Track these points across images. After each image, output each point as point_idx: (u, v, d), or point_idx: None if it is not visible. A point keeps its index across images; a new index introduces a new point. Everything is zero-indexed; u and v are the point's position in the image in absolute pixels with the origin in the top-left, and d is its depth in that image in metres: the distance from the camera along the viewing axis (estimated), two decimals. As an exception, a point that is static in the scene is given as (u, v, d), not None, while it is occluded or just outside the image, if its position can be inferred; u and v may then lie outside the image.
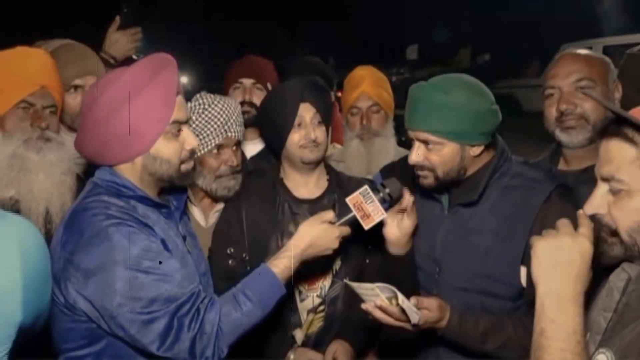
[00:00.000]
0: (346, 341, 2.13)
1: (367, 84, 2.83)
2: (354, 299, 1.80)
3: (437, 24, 19.51)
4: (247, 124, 2.67)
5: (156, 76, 1.65)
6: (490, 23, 17.59)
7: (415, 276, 1.99)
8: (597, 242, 1.29)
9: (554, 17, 15.80)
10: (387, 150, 2.80)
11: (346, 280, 1.90)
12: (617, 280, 1.31)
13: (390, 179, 1.87)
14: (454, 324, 1.76)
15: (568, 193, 1.85)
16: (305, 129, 2.10)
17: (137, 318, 1.55)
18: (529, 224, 1.78)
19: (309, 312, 2.13)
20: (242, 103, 2.75)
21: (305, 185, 2.19)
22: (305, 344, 2.14)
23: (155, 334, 1.56)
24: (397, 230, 1.90)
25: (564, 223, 1.29)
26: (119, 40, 2.72)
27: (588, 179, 1.99)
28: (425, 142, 1.81)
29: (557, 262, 1.23)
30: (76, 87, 2.37)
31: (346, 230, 1.86)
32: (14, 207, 1.94)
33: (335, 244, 1.84)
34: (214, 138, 2.21)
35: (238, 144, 2.32)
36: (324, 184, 2.22)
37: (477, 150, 1.84)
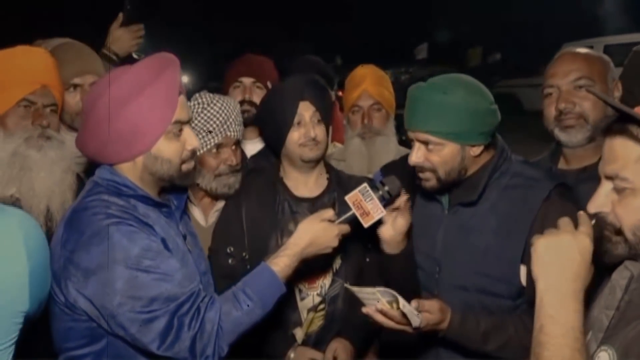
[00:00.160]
0: (346, 340, 2.13)
1: (368, 83, 2.83)
2: (355, 298, 1.80)
3: (446, 23, 19.39)
4: (247, 123, 2.68)
5: (159, 76, 1.65)
6: (500, 23, 17.50)
7: (415, 275, 1.99)
8: (601, 241, 1.29)
9: (565, 17, 15.77)
10: (388, 149, 2.80)
11: (347, 285, 1.90)
12: (619, 278, 1.31)
13: (390, 177, 1.88)
14: (455, 325, 1.76)
15: (568, 192, 1.85)
16: (305, 128, 2.10)
17: (137, 317, 1.55)
18: (529, 222, 1.78)
19: (309, 310, 2.13)
20: (242, 102, 2.75)
21: (305, 183, 2.19)
22: (305, 342, 2.13)
23: (155, 333, 1.56)
24: (391, 229, 1.91)
25: (565, 222, 1.29)
26: (121, 37, 2.73)
27: (588, 177, 2.00)
28: (426, 143, 1.81)
29: (557, 259, 1.23)
30: (75, 86, 2.37)
31: (346, 228, 1.86)
32: (15, 205, 1.94)
33: (335, 243, 1.85)
34: (213, 137, 2.20)
35: (237, 143, 2.32)
36: (323, 182, 2.22)
37: (477, 150, 1.83)
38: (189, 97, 2.07)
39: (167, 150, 1.69)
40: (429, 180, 1.86)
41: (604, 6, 15.49)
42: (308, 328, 2.14)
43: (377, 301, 1.67)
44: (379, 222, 1.87)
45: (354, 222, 1.85)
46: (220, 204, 2.30)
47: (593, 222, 1.29)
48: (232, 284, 1.73)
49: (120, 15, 2.74)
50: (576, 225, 1.28)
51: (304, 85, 2.13)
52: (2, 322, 1.22)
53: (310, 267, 1.99)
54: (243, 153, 2.62)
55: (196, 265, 1.82)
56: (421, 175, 1.87)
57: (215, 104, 2.22)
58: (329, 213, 1.86)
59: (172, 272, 1.61)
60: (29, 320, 1.32)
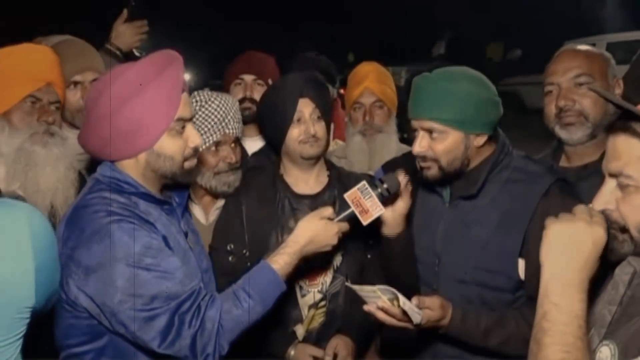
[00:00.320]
0: (347, 336, 2.13)
1: (370, 80, 2.83)
2: (356, 296, 1.81)
3: (466, 18, 19.03)
4: (248, 120, 2.68)
5: (162, 72, 1.65)
6: (520, 20, 17.21)
7: (412, 261, 2.00)
8: (607, 238, 1.29)
9: (567, 14, 15.66)
10: (389, 146, 2.79)
11: (347, 283, 1.90)
12: (622, 273, 1.30)
13: (389, 175, 1.88)
14: (456, 322, 1.77)
15: (567, 187, 1.86)
16: (305, 125, 2.09)
17: (138, 315, 1.55)
18: (528, 217, 1.79)
19: (310, 307, 2.13)
20: (243, 99, 2.76)
21: (306, 181, 2.18)
22: (306, 339, 2.13)
23: (156, 331, 1.56)
24: (391, 210, 1.91)
25: (581, 209, 1.27)
26: (125, 33, 2.76)
27: (588, 175, 2.00)
28: (429, 132, 1.82)
29: (567, 246, 1.22)
30: (76, 83, 2.37)
31: (345, 226, 1.86)
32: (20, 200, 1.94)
33: (335, 240, 1.85)
34: (211, 135, 2.20)
35: (237, 141, 2.31)
36: (324, 179, 2.21)
37: (480, 140, 1.84)
38: (190, 94, 2.07)
39: (170, 147, 1.69)
40: (431, 169, 1.86)
41: (607, 4, 15.43)
42: (309, 325, 2.14)
43: (378, 299, 1.68)
44: (379, 219, 1.88)
45: (353, 219, 1.85)
46: (221, 202, 2.30)
47: None
48: (232, 282, 1.73)
49: (125, 11, 2.76)
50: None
51: (304, 82, 2.13)
52: (6, 317, 1.22)
53: (310, 264, 1.99)
54: (244, 150, 2.62)
55: (197, 262, 1.82)
56: (423, 164, 1.87)
57: (213, 102, 2.22)
58: (328, 211, 1.86)
59: (173, 270, 1.61)
60: (36, 316, 1.33)
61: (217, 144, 2.23)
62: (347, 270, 2.14)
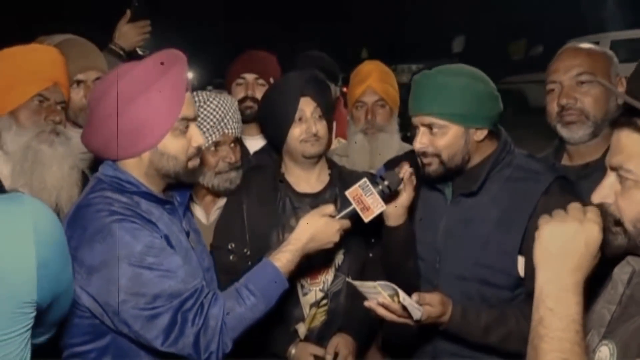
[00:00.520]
0: (348, 335, 2.13)
1: (373, 79, 2.82)
2: (357, 293, 1.81)
3: (487, 15, 18.74)
4: (249, 120, 2.68)
5: (166, 72, 1.65)
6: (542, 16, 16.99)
7: (413, 252, 2.00)
8: (603, 231, 1.29)
9: (569, 13, 15.57)
10: (391, 145, 2.79)
11: (348, 279, 1.90)
12: (621, 272, 1.30)
13: (389, 172, 1.88)
14: (456, 318, 1.77)
15: (568, 185, 1.86)
16: (306, 123, 2.09)
17: (141, 314, 1.56)
18: (528, 214, 1.80)
19: (311, 306, 2.13)
20: (245, 98, 2.76)
21: (307, 179, 2.19)
22: (307, 338, 2.14)
23: (159, 329, 1.56)
24: (393, 202, 1.92)
25: (574, 207, 1.27)
26: (128, 32, 2.79)
27: (589, 173, 1.99)
28: (429, 127, 1.84)
29: (561, 249, 1.21)
30: (79, 82, 2.38)
31: (346, 223, 1.86)
32: None
33: (336, 238, 1.85)
34: (210, 135, 2.20)
35: (236, 140, 2.31)
36: (325, 178, 2.22)
37: (480, 134, 1.85)
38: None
39: (174, 147, 1.69)
40: (432, 165, 1.87)
41: (610, 1, 15.36)
42: (310, 323, 2.14)
43: (379, 295, 1.68)
44: (380, 215, 1.88)
45: (355, 217, 1.85)
46: (222, 201, 2.30)
47: None
48: (233, 281, 1.73)
49: (128, 11, 2.79)
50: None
51: (305, 80, 2.13)
52: (6, 311, 1.21)
53: (312, 263, 1.99)
54: (246, 149, 2.62)
55: (199, 261, 1.83)
56: (424, 160, 1.88)
57: (211, 102, 2.21)
58: (330, 208, 1.86)
59: (175, 268, 1.61)
60: (46, 312, 1.32)
61: (217, 144, 2.22)
62: (348, 268, 2.14)
